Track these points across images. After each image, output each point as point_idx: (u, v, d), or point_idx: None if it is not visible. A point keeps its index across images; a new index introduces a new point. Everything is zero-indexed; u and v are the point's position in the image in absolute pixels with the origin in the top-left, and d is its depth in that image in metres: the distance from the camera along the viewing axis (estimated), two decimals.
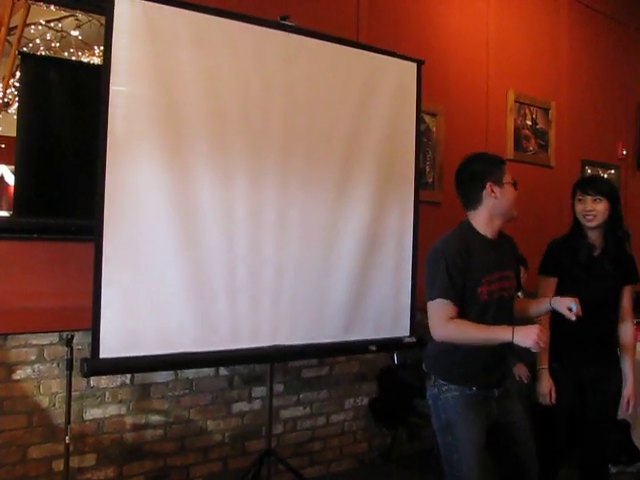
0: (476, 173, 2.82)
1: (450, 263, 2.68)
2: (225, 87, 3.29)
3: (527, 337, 2.52)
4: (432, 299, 2.70)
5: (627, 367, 3.34)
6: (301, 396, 4.32)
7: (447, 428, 2.76)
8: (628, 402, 3.33)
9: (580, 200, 3.30)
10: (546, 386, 3.23)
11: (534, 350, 2.54)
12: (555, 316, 3.25)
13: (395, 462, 4.69)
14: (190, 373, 3.80)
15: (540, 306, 3.00)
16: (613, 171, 7.03)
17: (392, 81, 3.90)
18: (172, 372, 3.73)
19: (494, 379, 2.84)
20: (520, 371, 4.32)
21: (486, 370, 2.79)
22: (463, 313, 2.70)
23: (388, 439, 4.77)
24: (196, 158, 3.21)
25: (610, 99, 6.98)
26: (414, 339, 3.86)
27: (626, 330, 3.37)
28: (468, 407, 2.75)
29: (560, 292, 3.28)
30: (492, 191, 2.77)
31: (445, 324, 2.67)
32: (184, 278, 3.20)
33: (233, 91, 3.31)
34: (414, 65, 4.03)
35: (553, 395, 3.22)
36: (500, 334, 2.61)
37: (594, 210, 3.24)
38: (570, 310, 2.79)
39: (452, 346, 2.74)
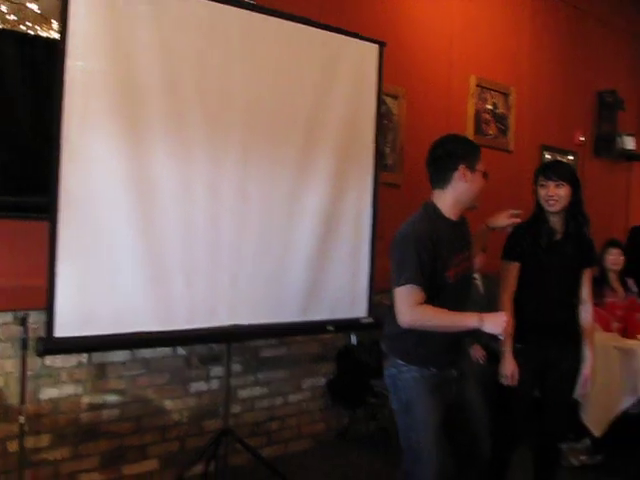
0: (452, 152, 2.81)
1: (421, 248, 2.67)
2: (184, 63, 3.25)
3: (495, 324, 2.58)
4: (401, 285, 2.69)
5: (587, 349, 3.41)
6: (259, 376, 4.34)
7: (406, 409, 2.79)
8: (586, 381, 3.40)
9: (543, 185, 3.33)
10: (509, 368, 3.28)
11: (501, 337, 2.58)
12: (518, 299, 3.32)
13: (352, 442, 4.73)
14: (147, 353, 3.79)
15: (480, 232, 3.14)
16: (572, 157, 7.13)
17: (353, 62, 3.89)
18: (129, 352, 3.71)
19: (451, 360, 2.87)
20: (476, 352, 4.40)
21: (444, 351, 2.81)
22: (430, 295, 2.70)
23: (345, 419, 4.81)
24: (154, 135, 3.18)
25: (570, 87, 7.07)
26: (371, 320, 3.89)
27: (586, 312, 3.44)
28: (427, 388, 2.77)
29: (523, 276, 3.35)
30: (463, 174, 2.78)
31: (413, 310, 2.67)
32: (140, 256, 3.18)
33: (192, 67, 3.28)
34: (376, 47, 4.02)
35: (515, 377, 3.28)
36: (468, 321, 2.65)
37: (556, 195, 3.28)
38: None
39: (410, 330, 2.75)
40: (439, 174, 2.82)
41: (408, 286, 2.66)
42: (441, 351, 2.80)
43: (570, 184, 3.30)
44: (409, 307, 2.67)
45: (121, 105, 3.09)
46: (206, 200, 3.33)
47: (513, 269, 3.36)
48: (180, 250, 3.28)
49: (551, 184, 3.30)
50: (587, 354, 3.40)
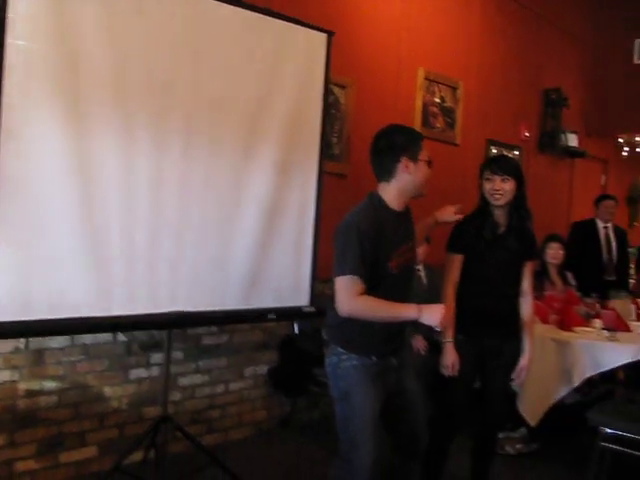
0: (393, 144, 2.79)
1: (364, 238, 2.67)
2: (129, 46, 3.20)
3: (433, 316, 2.59)
4: (342, 274, 2.69)
5: (527, 340, 3.48)
6: (200, 363, 4.32)
7: (345, 397, 2.79)
8: (521, 371, 3.47)
9: (489, 179, 3.36)
10: (449, 359, 3.32)
11: (438, 329, 2.61)
12: (460, 290, 3.37)
13: (294, 430, 4.75)
14: (87, 338, 3.74)
15: (426, 223, 3.18)
16: (517, 152, 7.25)
17: (301, 51, 3.89)
18: (68, 337, 3.66)
19: (392, 349, 2.89)
20: (418, 343, 4.46)
21: (385, 340, 2.83)
22: (372, 286, 2.71)
23: (287, 407, 4.83)
24: (96, 117, 3.12)
25: (516, 82, 7.18)
26: (313, 309, 3.90)
27: (526, 305, 3.51)
28: (367, 377, 2.78)
29: (466, 268, 3.40)
30: (406, 166, 2.77)
31: (353, 300, 2.68)
32: (80, 240, 3.12)
33: (137, 51, 3.23)
34: (324, 36, 4.02)
35: (456, 367, 3.32)
36: (406, 312, 2.67)
37: (502, 189, 3.32)
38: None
39: (351, 319, 2.75)
40: (382, 166, 2.82)
41: (349, 276, 2.66)
42: (382, 340, 2.82)
43: (515, 179, 3.34)
44: (349, 297, 2.67)
45: (63, 86, 3.04)
46: (148, 185, 3.30)
47: (457, 261, 3.40)
48: (120, 235, 3.23)
49: (497, 178, 3.33)
50: (527, 346, 3.47)
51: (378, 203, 2.82)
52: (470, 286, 3.37)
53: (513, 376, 3.48)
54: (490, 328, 3.39)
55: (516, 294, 3.50)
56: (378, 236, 2.70)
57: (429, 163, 2.85)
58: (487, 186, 3.38)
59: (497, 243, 3.39)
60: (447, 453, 3.54)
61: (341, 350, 2.81)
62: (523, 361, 3.46)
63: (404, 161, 2.77)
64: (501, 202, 3.34)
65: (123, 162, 3.22)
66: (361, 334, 2.78)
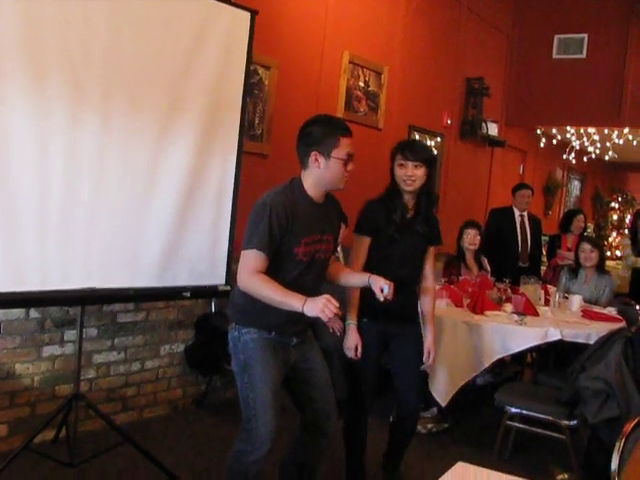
0: (308, 137, 2.81)
1: (274, 218, 2.70)
2: (46, 18, 3.11)
3: (314, 308, 2.59)
4: (247, 249, 2.73)
5: (429, 323, 3.59)
6: (116, 341, 4.28)
7: (245, 369, 2.84)
8: (429, 353, 3.56)
9: (402, 165, 3.37)
10: (352, 341, 3.37)
11: (324, 319, 2.64)
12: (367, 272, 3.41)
13: (209, 409, 4.77)
14: None
15: (358, 279, 3.09)
16: (439, 139, 7.39)
17: (224, 29, 3.84)
18: None
19: (296, 331, 2.93)
20: (334, 324, 4.50)
21: (289, 322, 2.85)
22: (277, 269, 2.75)
23: (203, 386, 4.83)
24: (8, 90, 3.02)
25: (440, 71, 7.31)
26: (229, 287, 3.88)
27: (428, 289, 3.61)
28: (266, 349, 2.83)
29: (373, 250, 3.42)
30: (316, 160, 2.78)
31: (250, 276, 2.71)
32: None
33: (54, 23, 3.13)
34: (247, 14, 3.98)
35: (359, 349, 3.37)
36: (293, 302, 2.66)
37: (414, 175, 3.35)
38: (382, 291, 2.87)
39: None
40: (299, 155, 2.85)
41: (254, 251, 2.70)
42: (286, 321, 2.84)
43: (427, 165, 3.38)
44: (248, 272, 2.72)
45: None
46: (62, 160, 3.22)
47: (365, 243, 3.42)
48: (33, 210, 3.15)
49: (410, 164, 3.35)
50: (428, 328, 3.58)
51: (297, 189, 2.84)
52: (376, 268, 3.27)
53: (424, 360, 3.57)
54: (394, 311, 3.40)
55: (419, 278, 3.59)
56: (288, 220, 2.74)
57: (346, 161, 2.81)
58: (399, 172, 3.39)
59: (405, 227, 3.43)
60: (365, 430, 3.60)
61: (241, 325, 2.85)
62: (427, 343, 3.56)
63: (314, 155, 2.78)
64: (412, 187, 3.37)
65: (37, 136, 3.13)
66: (264, 313, 2.79)
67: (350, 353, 3.38)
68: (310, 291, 2.75)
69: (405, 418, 3.68)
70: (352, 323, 3.39)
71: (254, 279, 2.71)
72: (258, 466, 2.81)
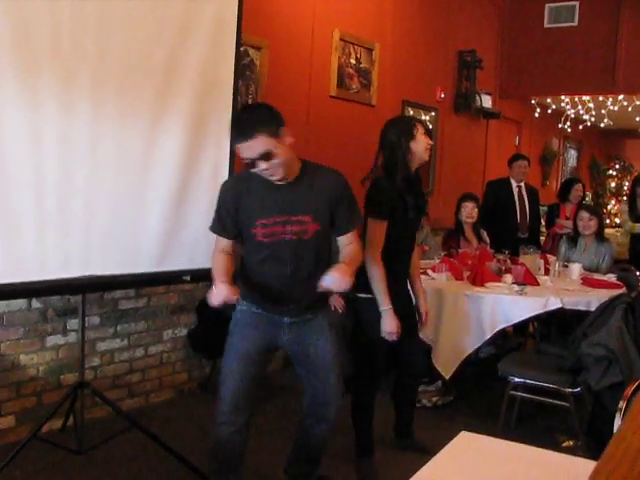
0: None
1: (221, 200, 2.89)
2: (32, 10, 3.09)
3: (213, 296, 2.74)
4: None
5: (418, 287, 3.75)
6: (118, 328, 4.29)
7: (229, 335, 3.01)
8: (427, 314, 3.72)
9: (425, 135, 3.43)
10: (393, 326, 3.36)
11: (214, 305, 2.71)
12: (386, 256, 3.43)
13: (214, 392, 4.73)
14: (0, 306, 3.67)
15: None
16: (433, 113, 7.37)
17: (212, 11, 3.80)
18: None
19: (287, 309, 2.94)
20: (336, 302, 4.51)
21: (273, 299, 2.91)
22: (246, 250, 2.92)
23: (207, 369, 4.86)
24: (2, 80, 3.01)
25: (432, 44, 7.28)
26: None
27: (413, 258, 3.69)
28: (250, 321, 2.97)
29: (391, 234, 3.39)
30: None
31: (214, 254, 2.93)
32: None
33: (41, 14, 3.10)
34: None
35: (399, 332, 3.38)
36: (215, 284, 2.77)
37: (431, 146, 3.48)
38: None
39: (243, 272, 2.96)
40: None
41: (212, 232, 2.94)
42: (270, 300, 2.91)
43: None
44: (214, 250, 2.94)
45: None
46: (57, 148, 3.19)
47: (384, 227, 3.36)
48: (30, 200, 3.14)
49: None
50: (418, 292, 3.74)
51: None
52: (389, 250, 3.37)
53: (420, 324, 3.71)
54: (399, 287, 3.53)
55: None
56: (234, 201, 2.84)
57: (250, 163, 2.69)
58: (425, 140, 3.41)
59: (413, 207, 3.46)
60: (373, 409, 3.64)
61: (241, 297, 2.92)
62: (422, 307, 3.72)
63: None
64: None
65: (30, 125, 3.11)
66: (247, 285, 2.95)
67: (392, 337, 3.39)
68: (293, 274, 2.84)
69: (406, 387, 3.81)
70: (389, 308, 3.37)
71: (214, 257, 2.92)
72: (223, 431, 2.98)
